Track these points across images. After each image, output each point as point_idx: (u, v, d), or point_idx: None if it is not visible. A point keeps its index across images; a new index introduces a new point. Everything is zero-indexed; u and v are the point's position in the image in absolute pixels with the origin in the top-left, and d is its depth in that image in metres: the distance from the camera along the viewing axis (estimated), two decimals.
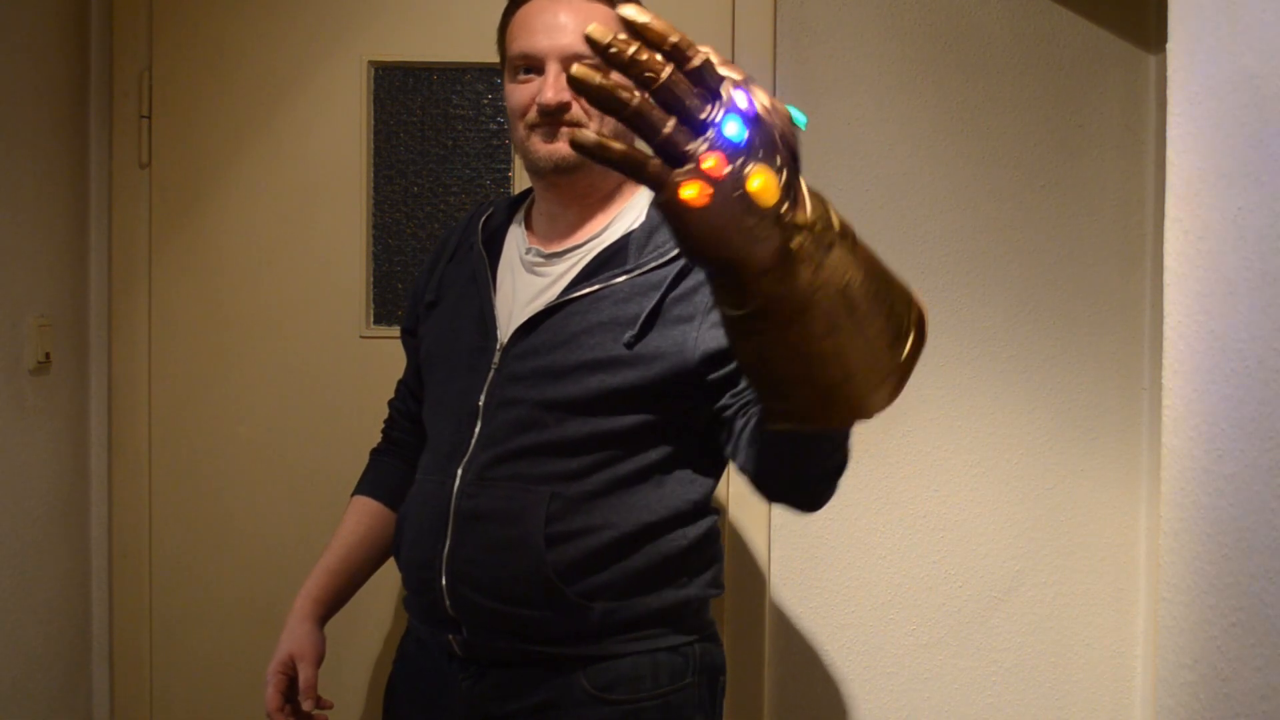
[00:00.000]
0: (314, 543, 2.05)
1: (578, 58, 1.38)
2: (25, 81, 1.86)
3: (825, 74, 2.03)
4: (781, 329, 0.84)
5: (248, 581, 2.10)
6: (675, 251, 1.36)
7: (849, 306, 0.84)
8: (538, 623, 1.36)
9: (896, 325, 0.89)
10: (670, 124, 0.76)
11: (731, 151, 0.76)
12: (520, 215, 1.54)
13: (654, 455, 1.38)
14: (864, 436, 2.04)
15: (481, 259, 1.51)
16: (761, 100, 0.78)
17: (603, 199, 1.46)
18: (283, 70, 2.07)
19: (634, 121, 0.75)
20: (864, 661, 2.06)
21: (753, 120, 0.77)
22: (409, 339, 1.66)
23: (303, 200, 2.08)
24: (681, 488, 1.39)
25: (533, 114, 1.40)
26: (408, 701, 1.51)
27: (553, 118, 1.39)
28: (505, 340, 1.42)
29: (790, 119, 0.80)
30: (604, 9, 1.41)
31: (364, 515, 1.62)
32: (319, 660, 1.53)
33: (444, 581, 1.38)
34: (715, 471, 1.44)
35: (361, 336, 2.09)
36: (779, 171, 0.78)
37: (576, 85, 0.75)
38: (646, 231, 1.41)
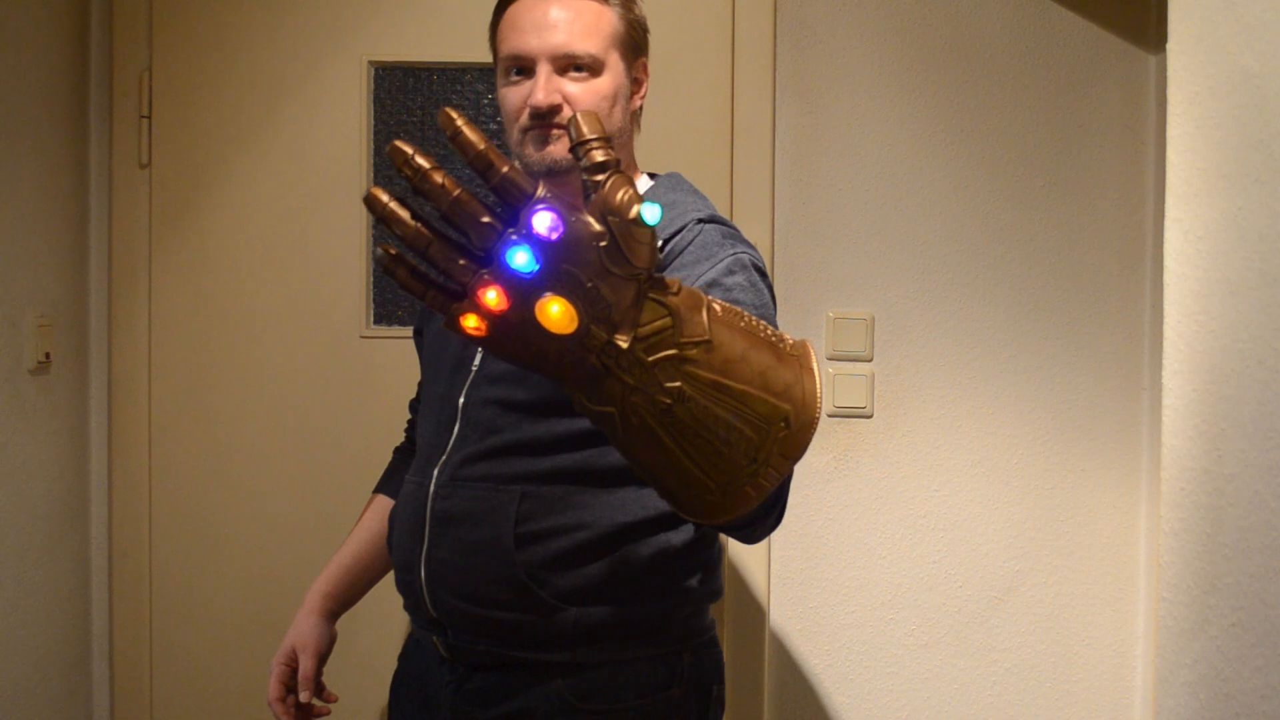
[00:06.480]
0: (314, 541, 2.05)
1: (569, 57, 1.36)
2: (26, 81, 1.86)
3: (825, 74, 2.03)
4: (610, 434, 0.82)
5: (248, 581, 2.10)
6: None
7: (671, 425, 0.80)
8: (512, 626, 1.34)
9: (743, 442, 0.83)
10: (455, 257, 0.73)
11: (515, 284, 0.72)
12: None
13: None
14: (864, 436, 2.04)
15: None
16: (578, 220, 0.73)
17: None
18: (282, 70, 2.07)
19: (428, 252, 0.73)
20: (864, 661, 2.06)
21: (549, 246, 0.72)
22: (418, 339, 1.66)
23: (303, 200, 2.08)
24: None
25: (525, 118, 1.37)
26: (406, 701, 1.51)
27: (545, 120, 1.36)
28: None
29: (633, 222, 0.73)
30: (595, 5, 1.38)
31: (379, 513, 1.62)
32: (321, 653, 1.53)
33: (423, 584, 1.37)
34: None
35: (361, 336, 2.09)
36: (586, 294, 0.73)
37: (370, 206, 0.74)
38: None
